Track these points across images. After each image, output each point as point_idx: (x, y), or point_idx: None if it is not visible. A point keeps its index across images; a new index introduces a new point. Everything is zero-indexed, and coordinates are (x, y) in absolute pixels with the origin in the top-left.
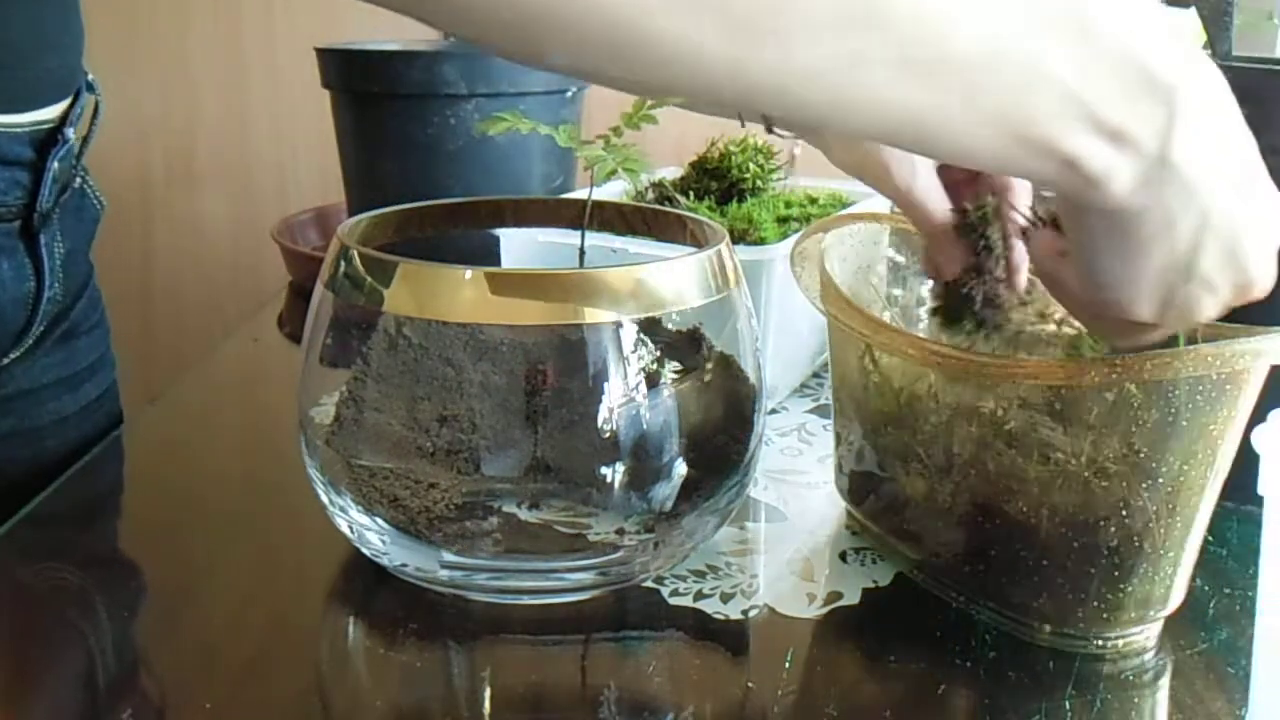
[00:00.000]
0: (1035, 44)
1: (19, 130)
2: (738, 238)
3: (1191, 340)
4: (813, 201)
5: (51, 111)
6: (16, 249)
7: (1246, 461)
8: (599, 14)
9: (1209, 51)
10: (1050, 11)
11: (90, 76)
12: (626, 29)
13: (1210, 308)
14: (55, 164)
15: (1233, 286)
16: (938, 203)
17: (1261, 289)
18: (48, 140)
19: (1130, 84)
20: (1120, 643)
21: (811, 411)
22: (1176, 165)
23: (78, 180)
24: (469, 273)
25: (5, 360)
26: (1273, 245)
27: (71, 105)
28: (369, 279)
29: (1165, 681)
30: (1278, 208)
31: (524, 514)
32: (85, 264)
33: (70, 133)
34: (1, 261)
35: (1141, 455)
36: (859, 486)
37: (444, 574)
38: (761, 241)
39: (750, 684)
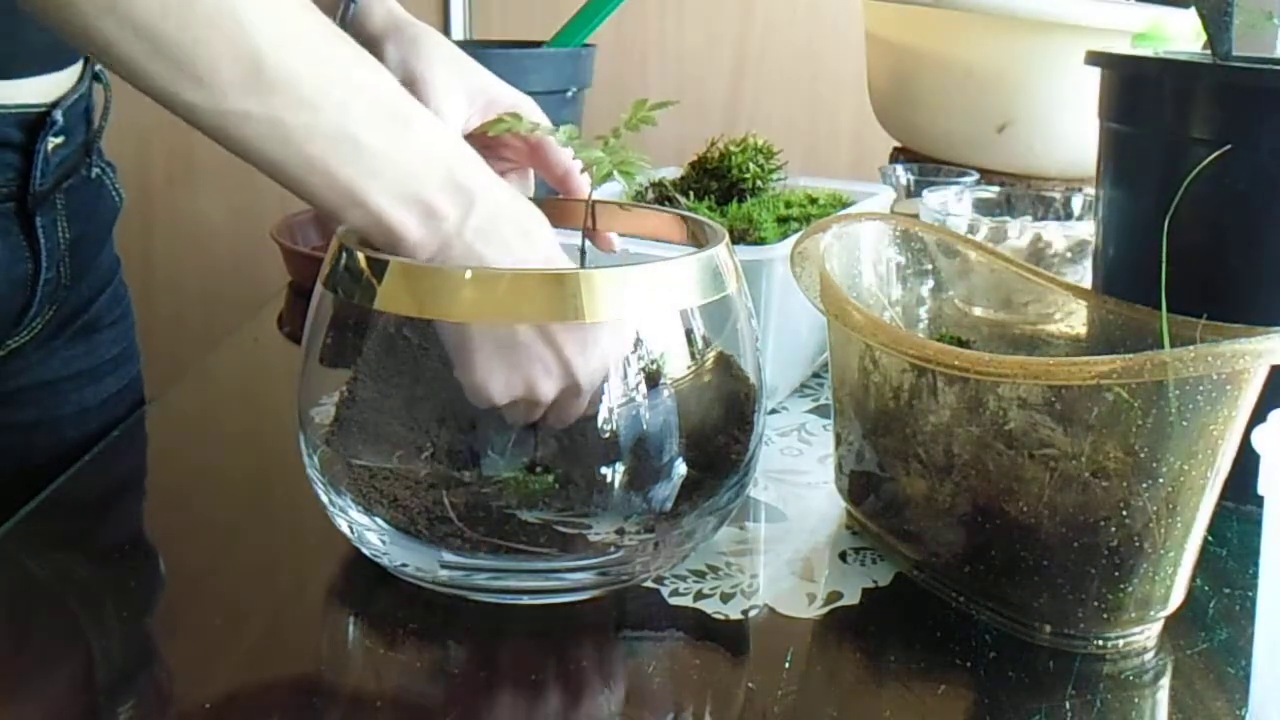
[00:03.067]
0: (375, 138)
1: (4, 112)
2: (738, 238)
3: (1190, 341)
4: (813, 201)
5: (40, 95)
6: (11, 230)
7: (1246, 461)
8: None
9: (1209, 51)
10: (384, 117)
11: (99, 67)
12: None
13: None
14: (48, 147)
15: None
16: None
17: None
18: (37, 124)
19: (440, 179)
20: (1120, 643)
21: (811, 411)
22: (469, 241)
23: (94, 170)
24: (469, 272)
25: (11, 343)
26: None
27: (70, 92)
28: (368, 279)
29: (1165, 681)
30: None
31: (524, 514)
32: (107, 255)
33: (58, 115)
34: None
35: (1141, 455)
36: (859, 486)
37: (444, 574)
38: (761, 241)
39: (750, 684)
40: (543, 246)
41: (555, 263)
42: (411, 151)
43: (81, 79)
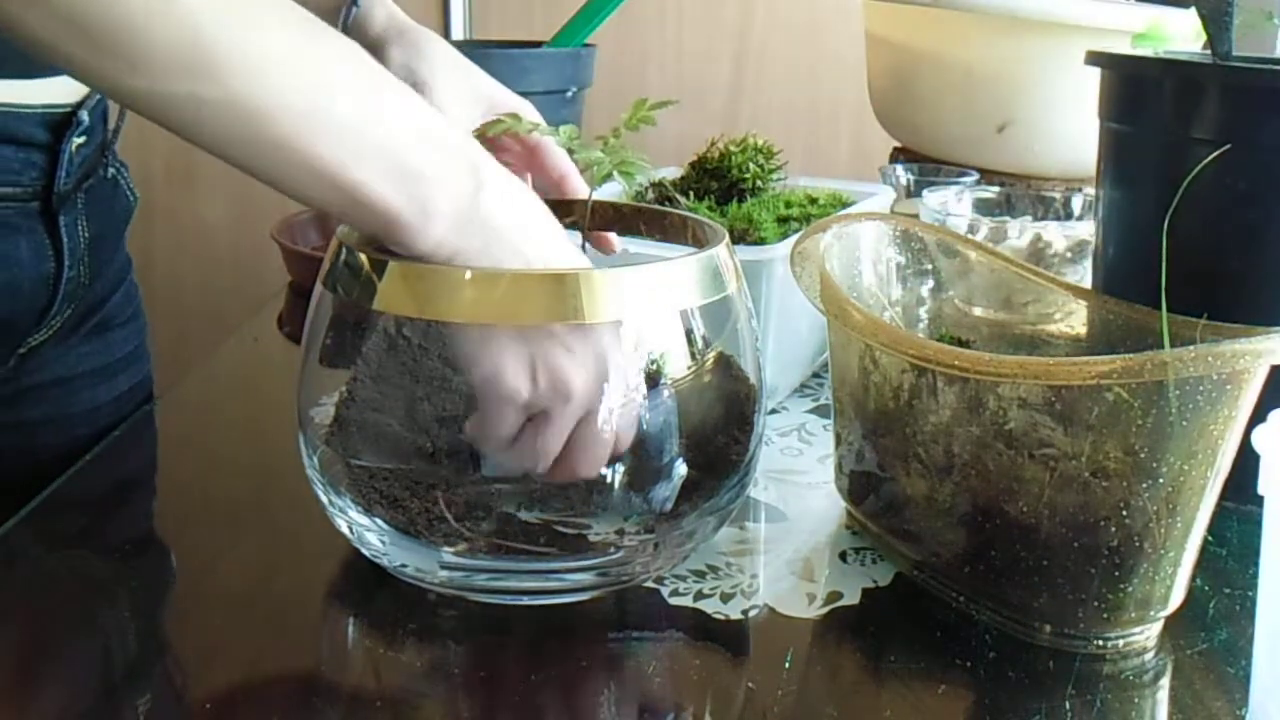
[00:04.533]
0: (345, 108)
1: (30, 111)
2: (738, 238)
3: (1190, 341)
4: (813, 201)
5: (66, 95)
6: (35, 229)
7: (1246, 461)
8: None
9: (1209, 51)
10: (364, 88)
11: None
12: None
13: None
14: (72, 146)
15: None
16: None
17: None
18: (63, 123)
19: (441, 153)
20: (1120, 643)
21: (811, 411)
22: (486, 218)
23: (111, 170)
24: (468, 272)
25: (31, 341)
26: None
27: (94, 91)
28: (368, 278)
29: (1165, 681)
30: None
31: (524, 514)
32: (121, 255)
33: (84, 115)
34: (20, 241)
35: (1141, 455)
36: (859, 486)
37: (444, 574)
38: (761, 241)
39: (750, 684)
40: (549, 237)
41: (558, 247)
42: (389, 119)
43: None
